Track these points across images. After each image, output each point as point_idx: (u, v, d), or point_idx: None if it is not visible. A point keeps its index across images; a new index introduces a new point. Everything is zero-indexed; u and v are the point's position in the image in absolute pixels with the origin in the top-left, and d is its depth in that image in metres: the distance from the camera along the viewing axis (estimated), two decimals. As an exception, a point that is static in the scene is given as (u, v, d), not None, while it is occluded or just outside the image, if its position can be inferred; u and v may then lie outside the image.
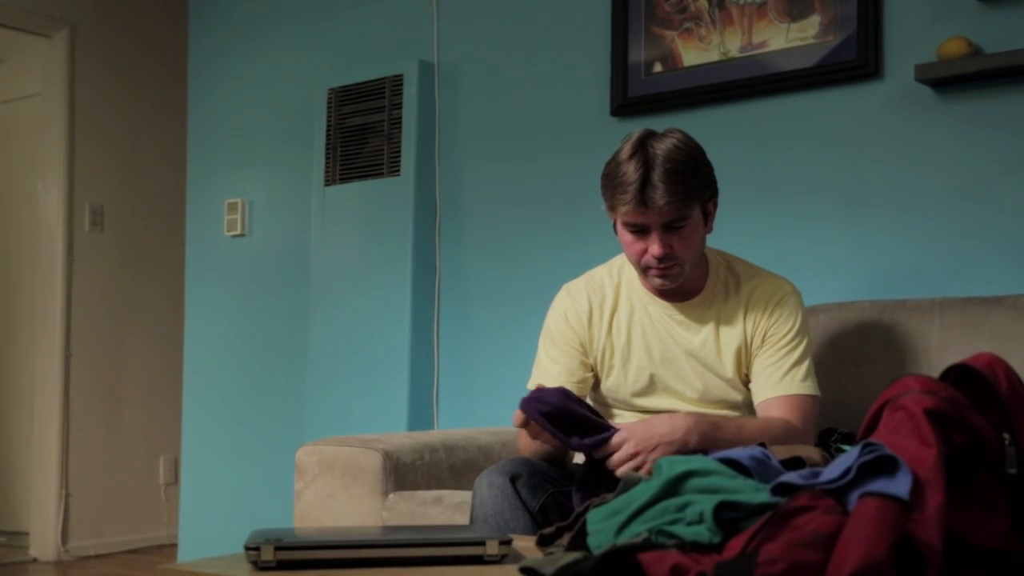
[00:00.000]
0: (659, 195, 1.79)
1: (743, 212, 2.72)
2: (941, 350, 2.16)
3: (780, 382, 1.90)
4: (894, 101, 2.51)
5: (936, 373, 1.16)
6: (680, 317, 1.97)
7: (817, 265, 2.61)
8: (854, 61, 2.54)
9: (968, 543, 1.03)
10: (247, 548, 1.32)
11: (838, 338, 2.31)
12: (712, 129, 2.79)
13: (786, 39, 2.65)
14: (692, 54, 2.80)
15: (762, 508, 1.07)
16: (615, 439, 1.69)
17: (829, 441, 2.10)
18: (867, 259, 2.55)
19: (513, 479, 1.77)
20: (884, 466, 1.01)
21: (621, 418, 2.03)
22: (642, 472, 1.61)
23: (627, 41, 2.90)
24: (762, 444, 1.31)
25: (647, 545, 1.07)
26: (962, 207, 2.43)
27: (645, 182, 1.80)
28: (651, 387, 1.97)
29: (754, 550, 0.99)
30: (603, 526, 1.19)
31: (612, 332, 1.99)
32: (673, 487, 1.15)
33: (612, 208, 1.85)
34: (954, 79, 2.39)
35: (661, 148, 1.82)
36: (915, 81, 2.44)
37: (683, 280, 1.93)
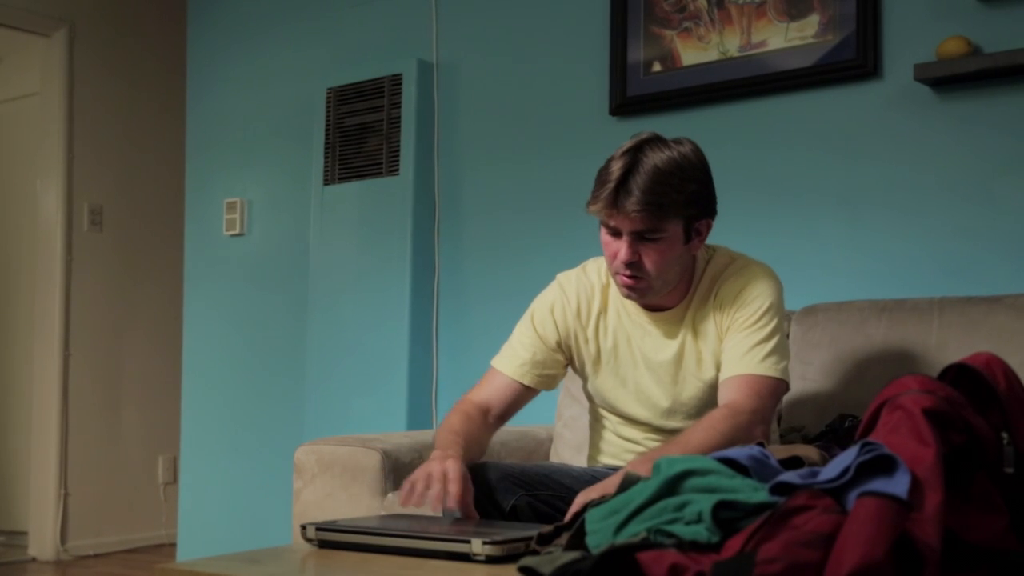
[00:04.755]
0: (632, 201, 1.73)
1: (742, 211, 2.72)
2: (940, 349, 2.16)
3: (738, 362, 1.81)
4: (893, 100, 2.51)
5: (935, 372, 1.16)
6: (654, 326, 1.92)
7: (816, 264, 2.61)
8: (853, 60, 2.54)
9: (966, 542, 1.03)
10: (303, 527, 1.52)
11: (837, 337, 2.31)
12: (711, 128, 2.79)
13: (785, 38, 2.65)
14: (691, 53, 2.80)
15: (760, 507, 1.07)
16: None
17: (843, 426, 2.09)
18: (866, 258, 2.54)
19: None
20: (882, 465, 1.01)
21: (608, 420, 2.02)
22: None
23: (626, 40, 2.90)
24: (761, 444, 1.31)
25: (646, 544, 1.07)
26: (961, 206, 2.43)
27: (622, 185, 1.75)
28: (633, 393, 1.94)
29: (752, 549, 0.99)
30: (601, 525, 1.19)
31: (599, 334, 1.95)
32: (672, 486, 1.15)
33: (590, 202, 1.80)
34: (953, 78, 2.39)
35: (654, 156, 1.76)
36: (914, 80, 2.44)
37: (652, 297, 1.87)
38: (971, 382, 1.14)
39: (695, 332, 1.90)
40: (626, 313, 1.94)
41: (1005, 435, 1.13)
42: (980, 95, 2.40)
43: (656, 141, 1.80)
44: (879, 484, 0.99)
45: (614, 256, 1.81)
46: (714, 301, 1.89)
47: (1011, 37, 2.34)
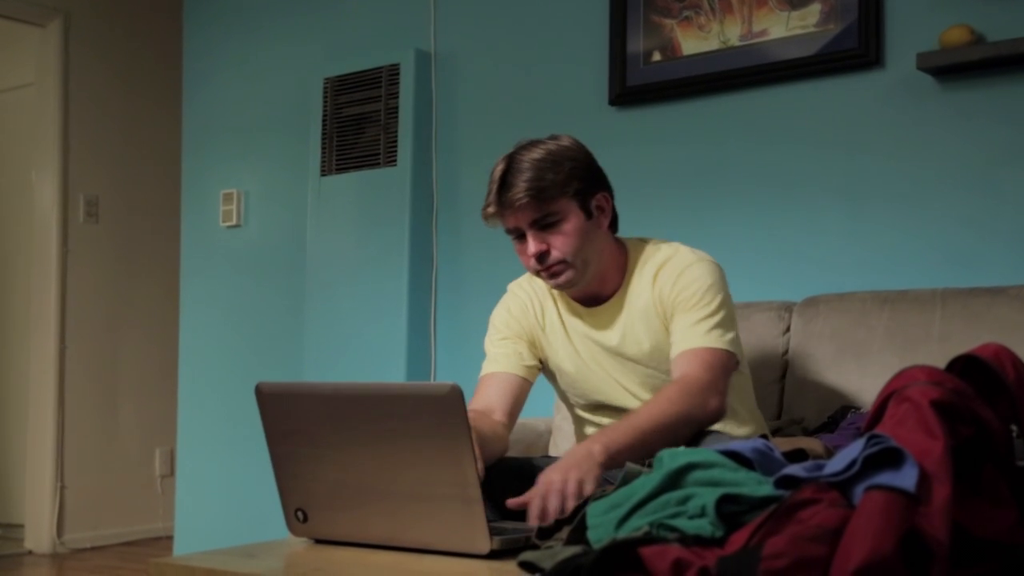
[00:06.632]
0: (514, 192, 1.80)
1: (742, 202, 2.71)
2: (943, 341, 2.15)
3: (685, 338, 1.82)
4: (895, 90, 2.49)
5: (938, 364, 1.14)
6: (593, 319, 1.94)
7: (818, 255, 2.59)
8: (855, 49, 2.52)
9: (974, 537, 1.02)
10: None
11: (839, 329, 2.30)
12: (711, 119, 2.78)
13: (786, 27, 2.63)
14: (691, 43, 2.78)
15: (765, 501, 1.05)
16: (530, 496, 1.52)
17: (845, 417, 2.08)
18: (868, 249, 2.53)
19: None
20: (890, 458, 1.00)
21: (579, 412, 2.03)
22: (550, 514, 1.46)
23: (626, 30, 2.88)
24: (764, 436, 1.29)
25: (648, 539, 1.06)
26: (964, 197, 2.41)
27: (503, 183, 1.82)
28: (603, 387, 1.95)
29: (758, 544, 0.97)
30: (603, 519, 1.17)
31: (555, 333, 1.97)
32: (675, 480, 1.13)
33: (482, 210, 1.86)
34: (956, 67, 2.37)
35: (529, 153, 1.84)
36: (917, 70, 2.42)
37: (585, 283, 1.89)
38: (980, 373, 1.13)
39: (635, 320, 1.91)
40: (568, 312, 1.97)
41: (1015, 427, 1.11)
42: (983, 84, 2.38)
43: (532, 142, 1.89)
44: (886, 477, 0.98)
45: (528, 258, 1.86)
46: (653, 288, 1.90)
47: (1015, 25, 2.32)
